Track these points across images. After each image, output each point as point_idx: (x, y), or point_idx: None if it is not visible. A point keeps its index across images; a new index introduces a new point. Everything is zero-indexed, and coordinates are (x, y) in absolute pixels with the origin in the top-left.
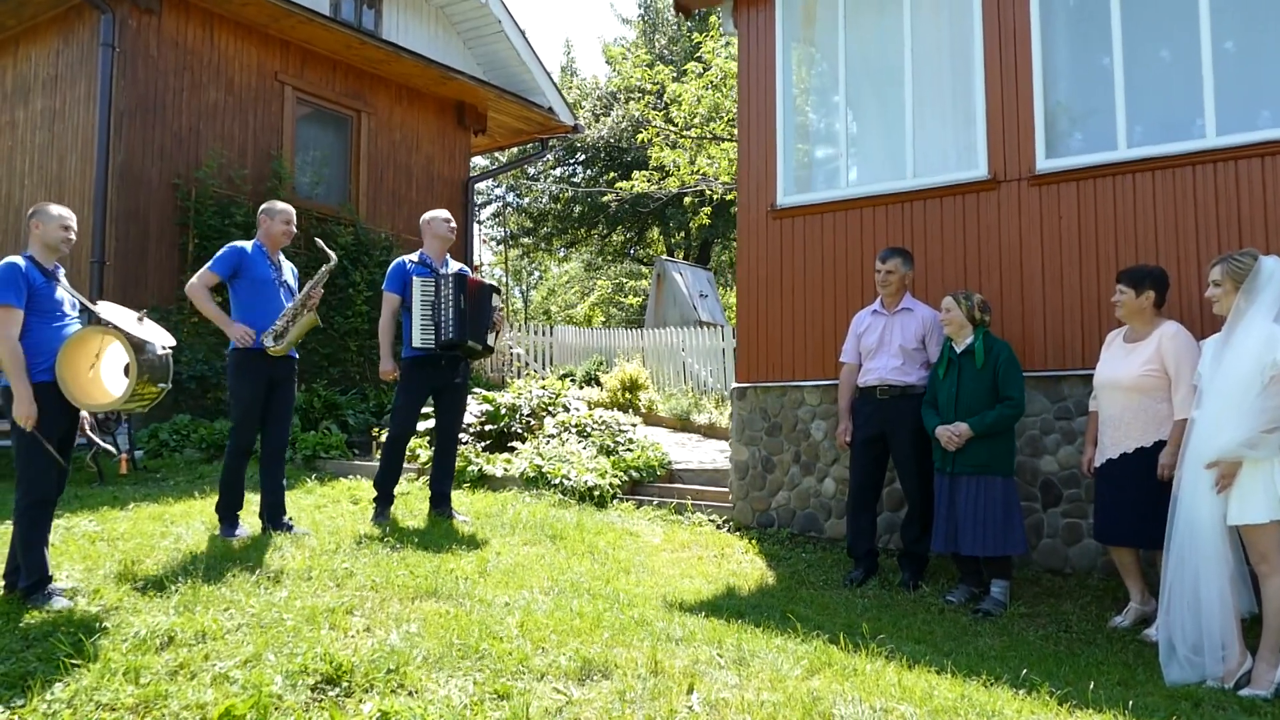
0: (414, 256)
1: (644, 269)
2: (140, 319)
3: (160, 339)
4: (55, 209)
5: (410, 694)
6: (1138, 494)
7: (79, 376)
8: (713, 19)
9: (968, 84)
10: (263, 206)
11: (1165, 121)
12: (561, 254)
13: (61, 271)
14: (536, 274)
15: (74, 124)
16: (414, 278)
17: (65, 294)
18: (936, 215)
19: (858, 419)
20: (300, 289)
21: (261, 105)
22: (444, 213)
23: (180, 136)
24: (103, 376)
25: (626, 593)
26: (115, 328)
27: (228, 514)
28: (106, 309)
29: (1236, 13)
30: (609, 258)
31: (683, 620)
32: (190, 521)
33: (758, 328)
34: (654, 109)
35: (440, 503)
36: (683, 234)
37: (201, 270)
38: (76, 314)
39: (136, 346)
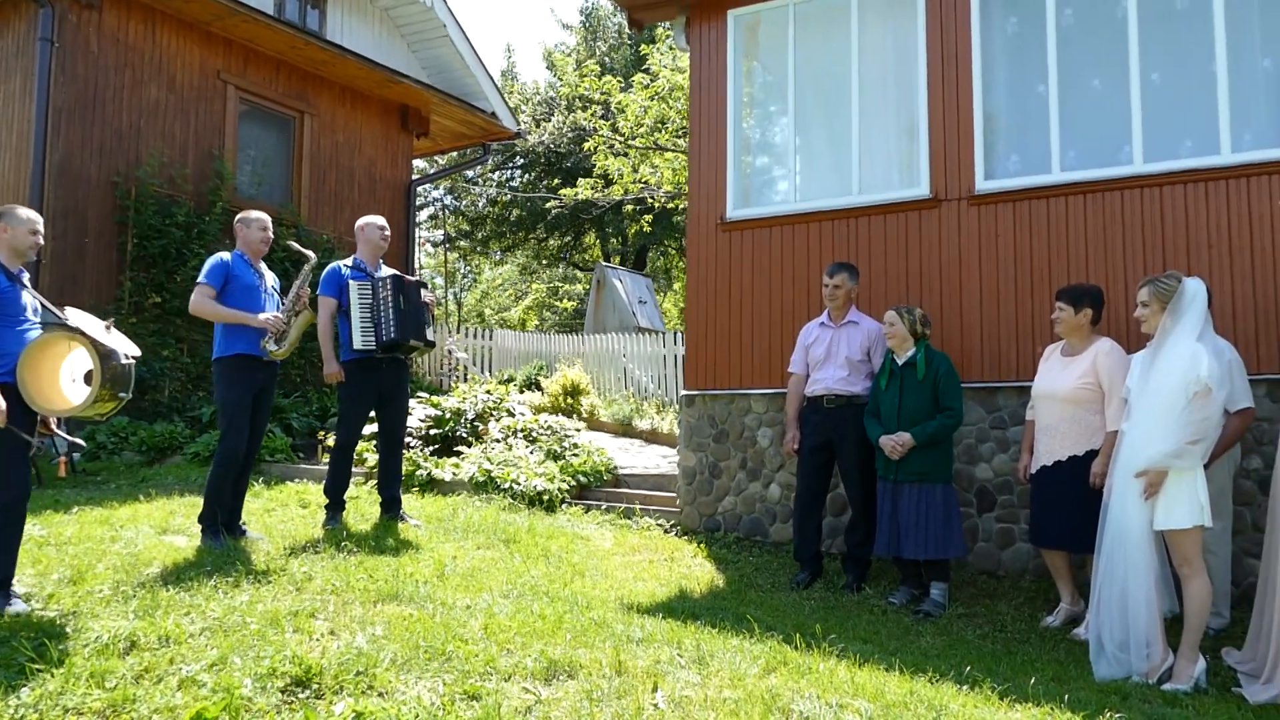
0: (348, 262)
1: (579, 273)
2: (108, 327)
3: (126, 348)
4: (24, 212)
5: (381, 695)
6: (1070, 500)
7: (39, 381)
8: (660, 31)
9: (911, 106)
10: (238, 216)
11: (1096, 148)
12: (497, 257)
13: (25, 275)
14: (468, 276)
15: (9, 119)
16: (350, 281)
17: (30, 298)
18: (880, 231)
19: (805, 427)
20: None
21: (203, 104)
22: (379, 219)
23: (121, 134)
24: (63, 382)
25: (584, 595)
26: (82, 334)
27: (213, 523)
28: (74, 315)
29: (1162, 47)
30: (545, 262)
31: (641, 622)
32: (138, 525)
33: (706, 337)
34: (601, 118)
35: (391, 507)
36: (619, 240)
37: (197, 289)
38: (38, 319)
39: (103, 354)
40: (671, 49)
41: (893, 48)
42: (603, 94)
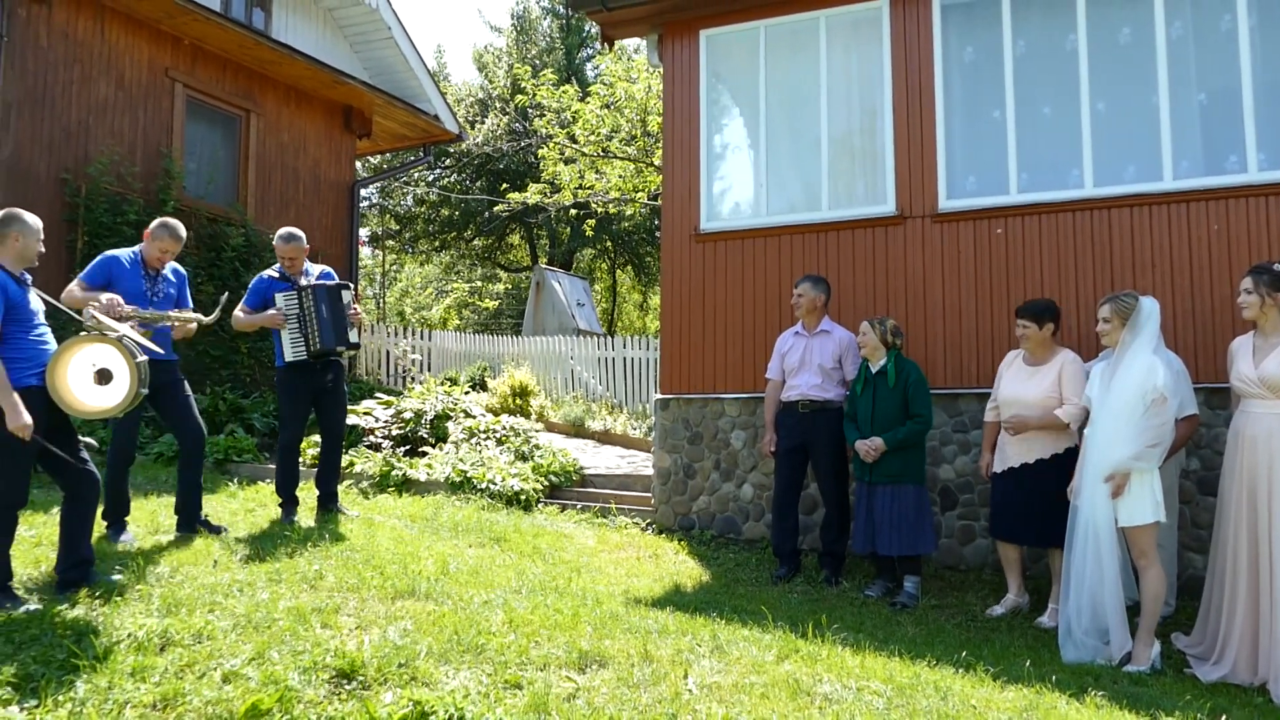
0: (273, 271)
1: (502, 273)
2: (133, 325)
3: (144, 346)
4: (32, 220)
5: (426, 686)
6: (1034, 499)
7: (68, 382)
8: (603, 45)
9: (878, 127)
10: (155, 222)
11: (1049, 171)
12: (423, 256)
13: (29, 277)
14: (380, 276)
15: None
16: (276, 294)
17: (37, 300)
18: (849, 246)
19: (781, 430)
20: (184, 294)
21: (151, 101)
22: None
23: (69, 130)
24: (78, 383)
25: (590, 591)
26: (115, 335)
27: (116, 519)
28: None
29: (1109, 78)
30: (471, 262)
31: (653, 615)
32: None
33: (681, 343)
34: (558, 126)
35: (328, 502)
36: (548, 242)
37: (75, 280)
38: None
39: (133, 353)
40: (629, 58)
41: (859, 71)
42: (560, 104)
